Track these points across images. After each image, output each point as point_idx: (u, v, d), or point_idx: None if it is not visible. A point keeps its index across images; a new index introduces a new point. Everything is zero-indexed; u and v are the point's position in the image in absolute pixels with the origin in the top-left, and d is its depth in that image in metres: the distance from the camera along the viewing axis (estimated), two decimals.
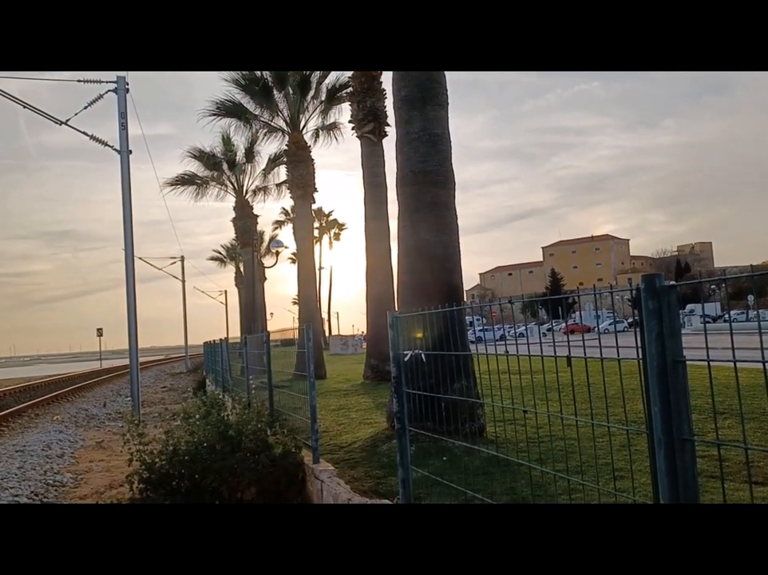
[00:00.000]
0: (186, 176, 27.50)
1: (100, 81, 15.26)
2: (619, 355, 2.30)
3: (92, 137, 15.33)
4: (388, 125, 17.57)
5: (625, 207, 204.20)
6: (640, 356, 2.08)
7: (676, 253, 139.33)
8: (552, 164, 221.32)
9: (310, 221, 21.90)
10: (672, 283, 1.99)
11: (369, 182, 17.32)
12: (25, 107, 14.42)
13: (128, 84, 15.36)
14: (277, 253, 24.61)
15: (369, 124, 17.14)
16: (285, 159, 22.22)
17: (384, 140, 17.53)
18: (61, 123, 14.98)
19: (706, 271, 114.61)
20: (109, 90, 15.44)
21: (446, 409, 7.85)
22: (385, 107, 17.61)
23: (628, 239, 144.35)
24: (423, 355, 4.53)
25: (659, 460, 1.97)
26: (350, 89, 17.78)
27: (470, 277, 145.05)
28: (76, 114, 15.14)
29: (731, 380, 8.98)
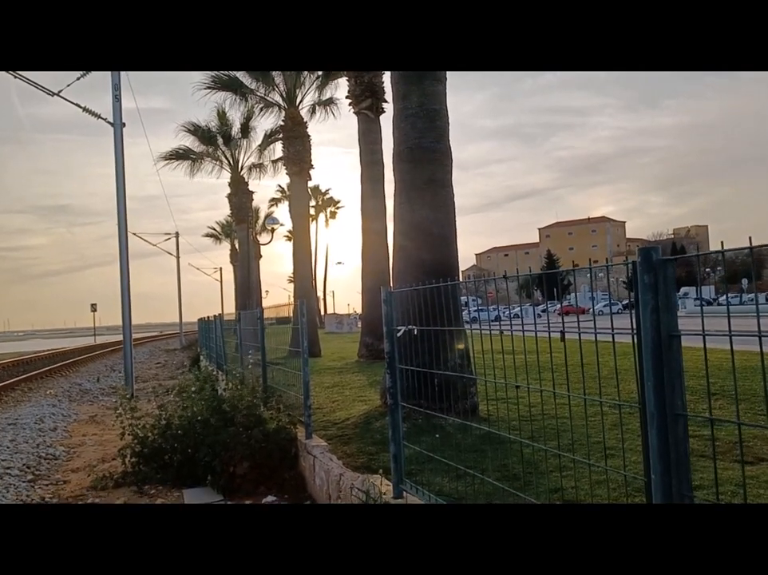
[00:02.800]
0: (181, 151, 27.22)
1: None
2: (613, 331, 2.27)
3: (85, 109, 15.11)
4: (386, 101, 17.37)
5: (624, 188, 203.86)
6: (635, 331, 2.05)
7: (672, 236, 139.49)
8: (552, 144, 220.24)
9: (305, 198, 21.76)
10: (669, 256, 1.96)
11: (366, 160, 17.17)
12: (16, 77, 14.17)
13: None
14: (272, 230, 24.45)
15: (366, 100, 16.94)
16: (281, 135, 22.02)
17: (381, 117, 17.36)
18: (54, 94, 14.75)
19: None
20: None
21: (439, 386, 7.87)
22: (383, 83, 17.39)
23: (624, 222, 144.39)
24: (416, 330, 4.51)
25: (651, 435, 1.95)
26: None
27: (466, 257, 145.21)
28: (68, 85, 14.91)
29: (723, 362, 9.01)
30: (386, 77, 17.51)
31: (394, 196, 8.41)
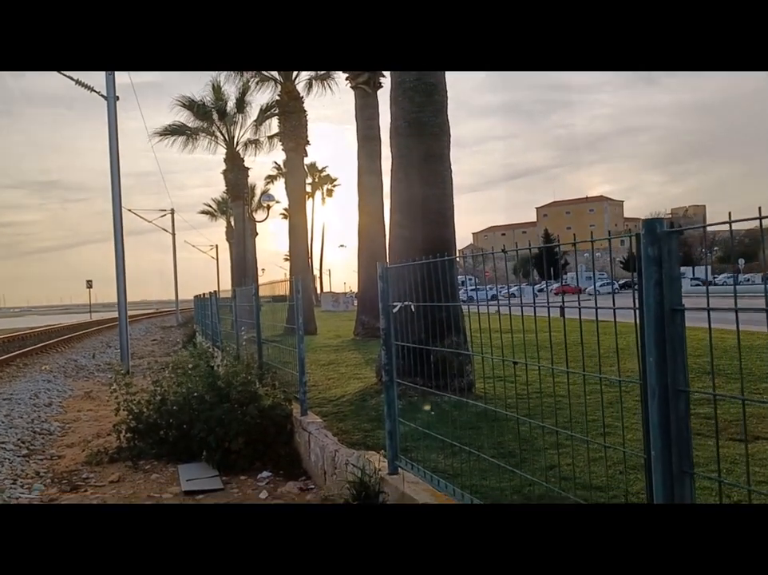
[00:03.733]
0: (175, 126, 26.86)
1: None
2: (614, 306, 2.22)
3: (78, 82, 14.84)
4: (383, 76, 17.12)
5: (622, 167, 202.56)
6: (637, 305, 2.00)
7: (670, 216, 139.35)
8: (551, 122, 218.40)
9: (302, 175, 21.56)
10: (673, 229, 1.90)
11: (363, 135, 16.98)
12: None
13: None
14: (268, 207, 24.27)
15: (363, 75, 16.70)
16: (277, 110, 21.74)
17: (379, 93, 17.13)
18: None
19: (698, 234, 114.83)
20: None
21: (435, 364, 7.86)
22: None
23: (622, 201, 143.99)
24: (413, 306, 4.45)
25: (652, 411, 1.91)
26: None
27: (463, 237, 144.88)
28: None
29: (718, 341, 9.01)
30: None
31: (391, 171, 8.31)
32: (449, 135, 8.11)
